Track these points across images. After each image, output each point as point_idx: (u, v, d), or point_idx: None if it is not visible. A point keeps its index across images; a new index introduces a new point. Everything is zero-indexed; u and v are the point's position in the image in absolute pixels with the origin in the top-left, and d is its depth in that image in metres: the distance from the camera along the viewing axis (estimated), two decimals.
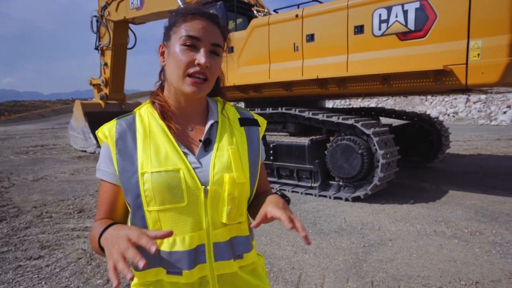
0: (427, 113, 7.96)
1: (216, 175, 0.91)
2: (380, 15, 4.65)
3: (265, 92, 5.99)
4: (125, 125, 0.95)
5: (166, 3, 8.92)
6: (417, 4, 4.35)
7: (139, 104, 9.89)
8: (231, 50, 6.34)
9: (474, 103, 20.96)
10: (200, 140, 0.96)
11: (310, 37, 5.34)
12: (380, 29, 4.66)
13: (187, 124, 0.99)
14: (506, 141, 10.93)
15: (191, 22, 0.92)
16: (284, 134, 5.76)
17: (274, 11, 6.29)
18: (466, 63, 4.07)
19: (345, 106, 15.85)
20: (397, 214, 4.27)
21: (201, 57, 0.89)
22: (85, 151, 10.80)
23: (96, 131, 1.00)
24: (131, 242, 0.72)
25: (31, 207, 4.81)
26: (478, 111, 20.22)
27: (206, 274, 0.92)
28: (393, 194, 5.06)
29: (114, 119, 1.00)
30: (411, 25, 4.41)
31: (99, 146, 9.84)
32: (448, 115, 21.26)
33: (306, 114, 5.22)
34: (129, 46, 11.44)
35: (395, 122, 7.33)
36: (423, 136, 7.01)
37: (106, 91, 11.43)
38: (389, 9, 4.57)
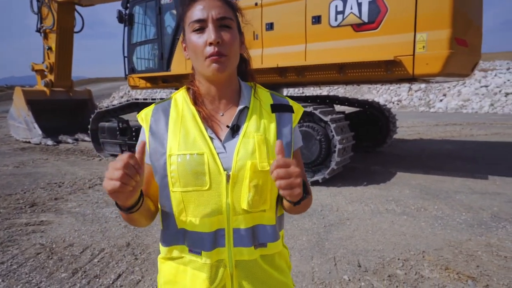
0: (374, 99, 8.47)
1: (239, 162, 0.91)
2: (336, 6, 4.84)
3: None
4: (161, 110, 0.99)
5: None
6: None
7: (87, 91, 9.37)
8: None
9: (416, 91, 22.54)
10: (228, 126, 0.96)
11: (270, 26, 5.41)
12: (336, 20, 4.86)
13: (218, 109, 0.99)
14: (443, 127, 11.98)
15: (193, 7, 0.92)
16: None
17: None
18: (413, 55, 4.41)
19: (299, 94, 16.25)
20: (352, 196, 4.57)
21: (209, 36, 0.88)
22: (29, 142, 10.04)
23: (137, 115, 1.01)
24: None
25: None
26: (419, 99, 21.80)
27: (224, 258, 0.93)
28: (348, 178, 5.38)
29: (153, 103, 1.02)
30: (365, 17, 4.65)
31: (45, 137, 9.23)
32: (393, 102, 22.67)
33: None
34: (76, 29, 10.70)
35: (348, 109, 7.72)
36: (373, 122, 7.48)
37: (51, 77, 10.67)
38: (344, 1, 4.77)
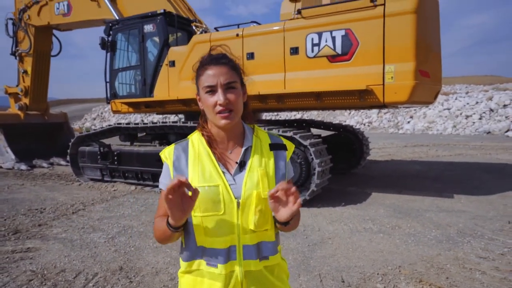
0: (346, 122, 8.95)
1: (247, 191, 1.15)
2: (312, 39, 5.26)
3: None
4: (181, 149, 1.22)
5: (96, 11, 8.64)
6: (342, 32, 5.04)
7: (63, 114, 9.33)
8: (172, 64, 6.47)
9: (385, 113, 23.70)
10: (237, 162, 1.20)
11: (250, 55, 5.75)
12: (312, 51, 5.27)
13: (227, 148, 1.24)
14: (411, 148, 12.69)
15: (205, 73, 1.18)
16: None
17: (215, 29, 6.58)
18: (383, 84, 4.85)
19: (277, 118, 16.71)
20: (332, 216, 4.84)
21: (219, 98, 1.14)
22: (1, 167, 9.72)
23: (160, 153, 1.24)
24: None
25: None
26: (388, 121, 22.91)
27: (235, 269, 1.15)
28: (326, 199, 5.66)
29: (173, 144, 1.25)
30: (339, 50, 5.08)
31: (18, 161, 9.02)
32: (364, 124, 23.68)
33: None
34: (53, 53, 10.68)
35: (323, 132, 8.11)
36: (347, 145, 7.89)
37: (25, 100, 10.50)
38: (320, 34, 5.20)
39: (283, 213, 1.08)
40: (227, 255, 1.15)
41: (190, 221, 1.17)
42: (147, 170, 6.63)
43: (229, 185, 1.16)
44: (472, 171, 7.92)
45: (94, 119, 39.86)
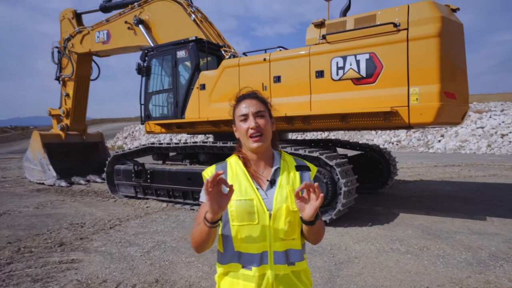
0: (374, 141, 8.94)
1: (277, 205, 1.36)
2: (337, 62, 5.45)
3: None
4: (221, 168, 1.47)
5: (133, 39, 9.28)
6: (367, 56, 5.20)
7: (100, 134, 9.95)
8: (203, 87, 6.84)
9: (414, 132, 23.19)
10: (268, 180, 1.43)
11: (277, 79, 6.01)
12: (337, 74, 5.45)
13: (260, 168, 1.46)
14: (442, 168, 12.37)
15: (239, 105, 1.46)
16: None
17: (244, 54, 6.93)
18: (408, 106, 4.93)
19: (304, 138, 16.81)
20: (359, 235, 4.87)
21: (250, 123, 1.40)
22: (43, 183, 10.41)
23: (203, 172, 1.48)
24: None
25: (5, 243, 4.75)
26: (418, 140, 22.39)
27: (267, 272, 1.35)
28: (353, 218, 5.70)
29: (214, 164, 1.51)
30: (363, 72, 5.23)
31: (59, 178, 9.67)
32: (392, 143, 23.24)
33: None
34: (92, 77, 11.48)
35: (349, 152, 8.17)
36: (374, 165, 7.89)
37: (66, 121, 11.26)
38: (344, 58, 5.38)
39: (308, 211, 1.28)
40: (260, 259, 1.35)
41: (229, 229, 1.38)
42: (178, 188, 6.93)
43: (262, 199, 1.38)
44: (507, 193, 7.66)
45: (125, 137, 41.41)
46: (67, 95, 11.18)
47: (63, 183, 10.02)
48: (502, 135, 19.03)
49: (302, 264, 1.42)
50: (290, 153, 5.80)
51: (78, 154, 11.71)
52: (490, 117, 21.68)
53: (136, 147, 7.76)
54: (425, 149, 20.86)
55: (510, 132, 18.95)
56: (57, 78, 11.35)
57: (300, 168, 1.48)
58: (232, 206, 1.36)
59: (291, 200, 1.37)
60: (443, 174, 10.85)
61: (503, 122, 20.43)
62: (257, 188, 1.40)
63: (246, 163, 1.46)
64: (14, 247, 4.54)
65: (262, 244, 1.35)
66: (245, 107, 1.42)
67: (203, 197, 1.42)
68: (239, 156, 1.49)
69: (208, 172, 1.47)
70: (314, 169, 1.52)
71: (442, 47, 4.67)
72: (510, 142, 18.30)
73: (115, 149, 29.09)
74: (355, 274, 3.61)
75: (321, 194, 1.25)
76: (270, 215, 1.35)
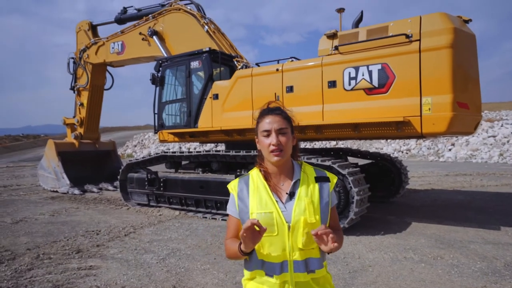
0: (383, 150, 8.94)
1: (296, 217, 1.44)
2: (349, 73, 5.52)
3: (249, 135, 6.59)
4: (243, 182, 1.55)
5: (147, 49, 9.50)
6: (379, 66, 5.27)
7: (112, 143, 10.11)
8: (216, 97, 6.97)
9: (424, 141, 23.01)
10: (287, 193, 1.50)
11: (290, 89, 6.10)
12: (350, 84, 5.52)
13: (279, 181, 1.54)
14: (453, 177, 12.27)
15: (263, 120, 1.53)
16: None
17: (256, 64, 7.06)
18: (420, 116, 4.97)
19: (313, 147, 16.85)
20: (372, 244, 4.89)
21: (272, 140, 1.47)
22: (57, 191, 10.60)
23: (228, 185, 1.58)
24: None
25: (24, 249, 4.87)
26: (428, 149, 22.21)
27: (287, 280, 1.44)
28: (366, 227, 5.71)
29: (237, 178, 1.59)
30: (375, 83, 5.29)
31: (72, 186, 9.84)
32: (402, 152, 23.08)
33: None
34: (106, 87, 11.74)
35: (360, 161, 8.18)
36: (385, 173, 7.89)
37: (80, 130, 11.50)
38: (356, 69, 5.46)
39: (325, 248, 1.36)
40: (281, 268, 1.44)
41: None
42: (190, 196, 7.02)
43: (281, 211, 1.45)
44: None
45: (135, 146, 41.82)
46: (82, 104, 11.43)
47: (76, 191, 10.19)
48: None
49: (322, 271, 1.49)
50: (310, 163, 5.86)
51: (91, 162, 11.91)
52: (502, 126, 21.44)
53: (149, 156, 7.89)
54: (435, 158, 20.69)
55: None
56: (72, 88, 11.63)
57: (319, 179, 1.54)
58: (254, 218, 1.44)
59: (309, 212, 1.44)
60: (454, 183, 10.76)
61: None
62: (277, 201, 1.47)
63: (266, 176, 1.54)
64: (33, 254, 4.65)
65: (282, 254, 1.43)
66: (268, 123, 1.49)
67: (231, 210, 1.56)
68: (260, 170, 1.57)
69: (232, 186, 1.57)
70: (333, 179, 1.57)
71: (454, 58, 4.72)
72: None
73: (125, 157, 29.42)
74: (369, 282, 3.63)
75: (335, 244, 1.31)
76: (288, 227, 1.43)
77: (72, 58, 11.45)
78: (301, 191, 1.49)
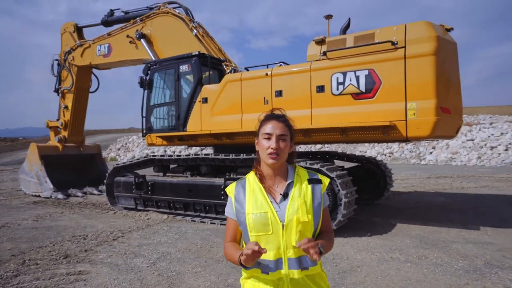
0: (367, 153, 9.15)
1: (289, 216, 1.51)
2: (337, 78, 5.66)
3: (238, 139, 6.64)
4: (240, 186, 1.63)
5: (134, 52, 9.45)
6: (366, 72, 5.42)
7: (97, 146, 9.96)
8: (205, 100, 7.00)
9: (406, 144, 23.56)
10: (281, 194, 1.58)
11: (279, 93, 6.19)
12: (338, 89, 5.65)
13: (274, 183, 1.62)
14: (435, 179, 12.63)
15: (266, 124, 1.62)
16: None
17: (245, 68, 7.13)
18: (406, 120, 5.13)
19: (298, 150, 16.97)
20: (359, 245, 5.00)
21: (272, 144, 1.55)
22: (39, 195, 10.35)
23: (226, 189, 1.64)
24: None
25: (9, 255, 4.76)
26: (410, 152, 22.74)
27: (283, 276, 1.51)
28: (353, 229, 5.83)
29: (234, 182, 1.65)
30: (362, 88, 5.44)
31: (55, 191, 9.63)
32: (385, 155, 23.55)
33: None
34: (91, 89, 11.58)
35: (346, 164, 8.34)
36: (371, 176, 8.07)
37: (64, 133, 11.29)
38: (344, 74, 5.60)
39: (311, 257, 1.44)
40: (276, 265, 1.52)
41: (248, 238, 1.55)
42: (179, 200, 7.00)
43: (276, 211, 1.54)
44: (498, 204, 7.89)
45: (119, 149, 41.16)
46: (66, 107, 11.23)
47: (60, 196, 9.99)
48: (492, 148, 19.47)
49: (316, 268, 1.56)
50: (303, 166, 5.93)
51: (75, 166, 11.68)
52: (479, 130, 22.18)
53: (137, 159, 7.83)
54: (417, 161, 21.20)
55: (499, 145, 19.41)
56: (56, 90, 11.41)
57: (312, 181, 1.62)
58: (250, 219, 1.53)
59: (302, 211, 1.51)
60: (436, 185, 11.08)
61: (492, 135, 20.92)
62: (271, 202, 1.55)
63: (262, 179, 1.62)
64: (19, 260, 4.56)
65: (277, 252, 1.51)
66: (271, 127, 1.58)
67: (228, 212, 1.64)
68: (256, 173, 1.65)
69: (230, 189, 1.65)
70: (326, 181, 1.66)
71: (437, 65, 4.92)
72: (499, 154, 18.72)
73: (108, 160, 28.90)
74: (358, 282, 3.73)
75: (315, 256, 1.40)
76: (283, 225, 1.51)
77: (57, 60, 11.24)
78: (294, 192, 1.57)
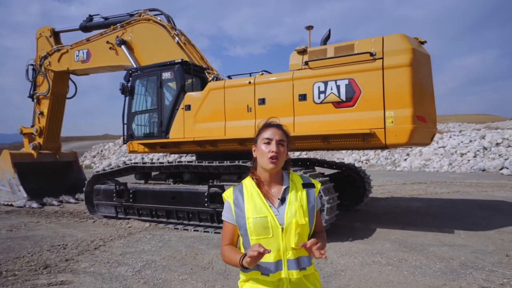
0: (344, 160, 9.40)
1: (288, 220, 1.60)
2: (319, 87, 5.83)
3: (221, 146, 6.68)
4: (238, 191, 1.70)
5: (114, 58, 9.35)
6: (346, 81, 5.62)
7: (73, 153, 9.71)
8: (188, 108, 7.01)
9: (382, 151, 24.26)
10: (279, 198, 1.66)
11: (262, 101, 6.30)
12: (319, 98, 5.82)
13: (271, 188, 1.69)
14: (410, 185, 13.08)
15: (265, 131, 1.70)
16: (238, 184, 6.42)
17: (228, 77, 7.21)
18: (384, 128, 5.35)
19: None
20: (342, 250, 5.14)
21: (272, 148, 1.64)
22: (11, 205, 9.95)
23: (223, 194, 1.71)
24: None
25: None
26: (385, 158, 23.43)
27: (282, 277, 1.58)
28: (335, 234, 5.97)
29: (231, 187, 1.72)
30: (343, 97, 5.63)
31: (29, 199, 9.30)
32: (362, 161, 24.15)
33: None
34: (68, 95, 11.31)
35: (326, 171, 8.52)
36: (350, 183, 8.29)
37: (39, 140, 10.95)
38: (325, 83, 5.78)
39: (314, 256, 1.53)
40: (276, 266, 1.58)
41: (248, 242, 1.61)
42: (161, 207, 6.94)
43: (275, 215, 1.61)
44: (469, 208, 8.28)
45: (94, 156, 40.12)
46: (41, 113, 10.91)
47: (34, 204, 9.65)
48: (462, 154, 20.37)
49: (311, 268, 1.66)
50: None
51: (51, 174, 11.30)
52: (450, 137, 23.17)
53: (118, 166, 7.71)
54: (392, 168, 21.86)
55: (468, 152, 20.34)
56: (31, 96, 11.08)
57: (306, 185, 1.72)
58: (250, 223, 1.59)
59: (299, 215, 1.60)
60: (411, 191, 11.48)
61: (461, 142, 21.90)
62: (270, 206, 1.62)
63: (259, 183, 1.69)
64: None
65: (277, 254, 1.58)
66: (271, 133, 1.67)
67: (226, 216, 1.69)
68: (253, 178, 1.72)
69: (228, 194, 1.71)
70: (318, 185, 1.77)
71: (413, 75, 5.18)
72: (468, 160, 19.61)
73: (83, 168, 28.10)
74: (343, 285, 3.84)
75: (324, 255, 1.48)
76: (282, 229, 1.58)
77: (32, 65, 10.94)
78: (291, 196, 1.65)
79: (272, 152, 1.62)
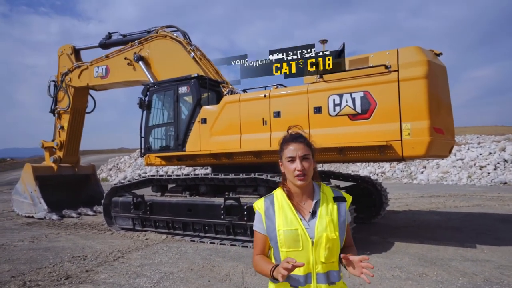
0: (359, 172, 9.31)
1: (319, 234, 1.60)
2: (334, 99, 5.86)
3: (236, 159, 6.74)
4: (269, 201, 1.72)
5: (132, 74, 9.61)
6: (361, 94, 5.64)
7: (92, 166, 9.93)
8: (204, 121, 7.13)
9: (397, 163, 23.88)
10: (310, 212, 1.67)
11: (277, 114, 6.36)
12: (334, 110, 5.84)
13: (302, 200, 1.71)
14: (428, 199, 12.81)
15: (287, 147, 1.70)
16: (256, 196, 6.45)
17: (243, 90, 7.32)
18: (401, 140, 5.32)
19: None
20: None
21: (297, 166, 1.64)
22: (32, 216, 10.20)
23: (253, 204, 1.73)
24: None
25: (8, 277, 4.70)
26: (401, 171, 23.03)
27: None
28: None
29: (262, 197, 1.73)
30: (358, 109, 5.64)
31: (50, 212, 9.52)
32: (377, 174, 23.78)
33: (277, 179, 6.03)
34: (87, 110, 11.65)
35: (342, 183, 8.47)
36: (367, 195, 8.20)
37: (60, 154, 11.25)
38: (340, 96, 5.81)
39: (353, 271, 1.55)
40: (305, 280, 1.59)
41: (278, 253, 1.63)
42: (178, 220, 7.00)
43: (305, 228, 1.62)
44: (491, 222, 8.05)
45: (110, 169, 40.74)
46: (62, 127, 11.25)
47: (54, 216, 9.86)
48: (481, 167, 19.88)
49: (340, 283, 1.66)
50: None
51: (70, 186, 11.59)
52: (468, 150, 22.67)
53: (135, 179, 7.84)
54: (409, 180, 21.46)
55: (488, 164, 19.83)
56: (53, 111, 11.46)
57: (337, 199, 1.72)
58: (281, 235, 1.61)
59: (330, 229, 1.60)
60: (429, 204, 11.24)
61: (480, 154, 21.38)
62: (301, 219, 1.63)
63: (289, 195, 1.70)
64: (19, 281, 4.50)
65: (306, 267, 1.58)
66: (293, 150, 1.66)
67: (257, 227, 1.71)
68: (283, 189, 1.74)
69: (258, 205, 1.73)
70: (349, 199, 1.77)
71: (429, 87, 5.16)
72: (488, 173, 19.10)
73: (100, 181, 28.57)
74: None
75: (366, 272, 1.49)
76: (312, 242, 1.59)
77: (53, 81, 11.35)
78: (321, 210, 1.66)
79: (298, 170, 1.62)
